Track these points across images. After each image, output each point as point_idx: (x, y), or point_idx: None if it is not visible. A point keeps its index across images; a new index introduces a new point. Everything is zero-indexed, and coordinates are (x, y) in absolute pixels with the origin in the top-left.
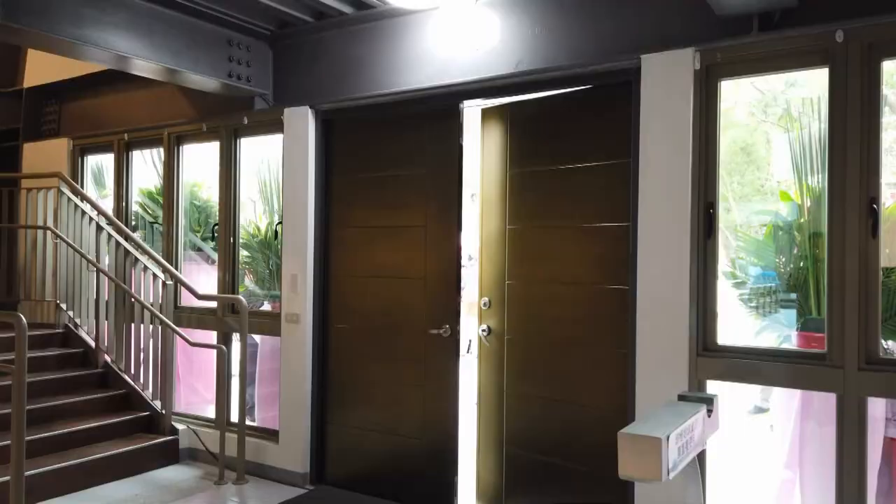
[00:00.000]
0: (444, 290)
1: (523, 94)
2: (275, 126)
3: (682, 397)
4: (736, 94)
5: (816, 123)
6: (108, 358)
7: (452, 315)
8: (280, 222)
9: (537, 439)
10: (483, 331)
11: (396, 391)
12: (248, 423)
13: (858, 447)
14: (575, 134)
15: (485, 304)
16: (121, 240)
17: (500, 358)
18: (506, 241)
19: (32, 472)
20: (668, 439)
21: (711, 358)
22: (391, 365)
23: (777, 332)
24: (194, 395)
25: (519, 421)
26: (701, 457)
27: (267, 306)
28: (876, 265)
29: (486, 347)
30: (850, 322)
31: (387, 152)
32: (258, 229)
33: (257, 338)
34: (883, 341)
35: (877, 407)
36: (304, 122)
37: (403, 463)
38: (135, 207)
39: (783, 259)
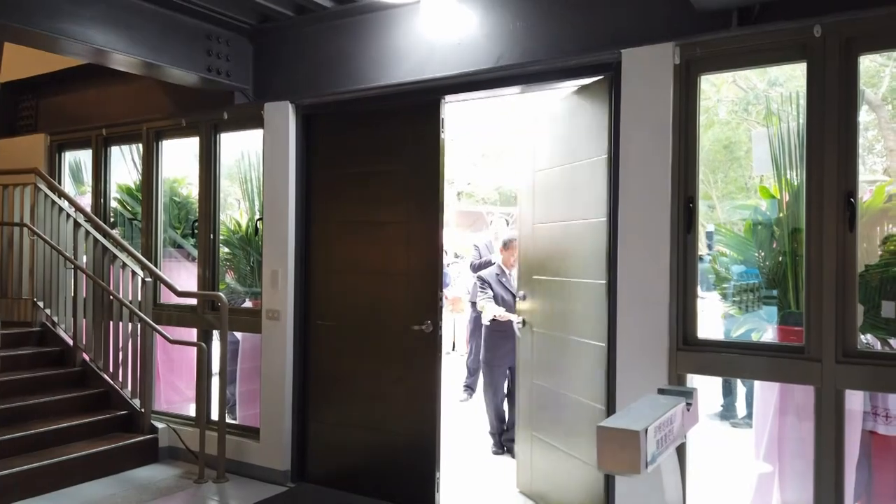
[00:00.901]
0: (426, 286)
1: (505, 87)
2: (255, 121)
3: (661, 391)
4: (719, 92)
5: (796, 118)
6: (86, 356)
7: (434, 311)
8: (261, 218)
9: (551, 429)
10: (518, 323)
11: (378, 387)
12: (229, 420)
13: (836, 440)
14: (580, 130)
15: (521, 297)
16: (99, 237)
17: (530, 348)
18: (534, 238)
19: (6, 472)
20: (646, 432)
21: (691, 352)
22: (373, 361)
23: (758, 328)
24: (175, 393)
25: (540, 412)
26: (681, 450)
27: (249, 303)
28: (853, 259)
29: (519, 339)
30: (827, 315)
31: (368, 147)
32: (239, 225)
33: (238, 335)
34: (863, 336)
35: (855, 400)
36: (284, 117)
37: (386, 459)
38: (113, 204)
39: (762, 253)
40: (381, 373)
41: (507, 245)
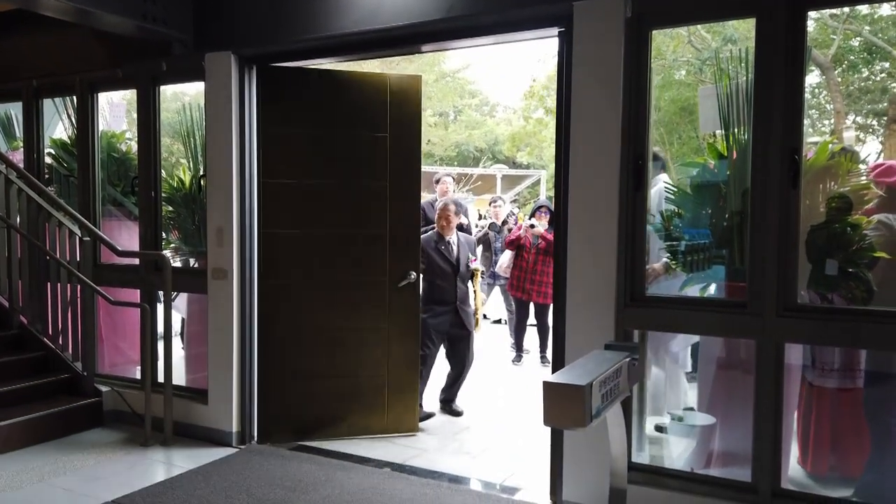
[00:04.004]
0: (406, 242)
1: (457, 40)
2: (196, 73)
3: (608, 347)
4: (675, 52)
5: (745, 75)
6: (23, 319)
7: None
8: (204, 175)
9: None
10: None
11: (332, 349)
12: (176, 383)
13: (775, 392)
14: None
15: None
16: (33, 194)
17: None
18: None
19: None
20: (591, 387)
21: (639, 308)
22: (329, 322)
23: (706, 284)
24: (119, 355)
25: None
26: (626, 403)
27: (196, 264)
28: (796, 215)
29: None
30: (769, 270)
31: (316, 101)
32: (182, 182)
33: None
34: (802, 291)
35: (794, 354)
36: (226, 68)
37: (337, 420)
38: (48, 160)
39: (709, 211)
40: (338, 334)
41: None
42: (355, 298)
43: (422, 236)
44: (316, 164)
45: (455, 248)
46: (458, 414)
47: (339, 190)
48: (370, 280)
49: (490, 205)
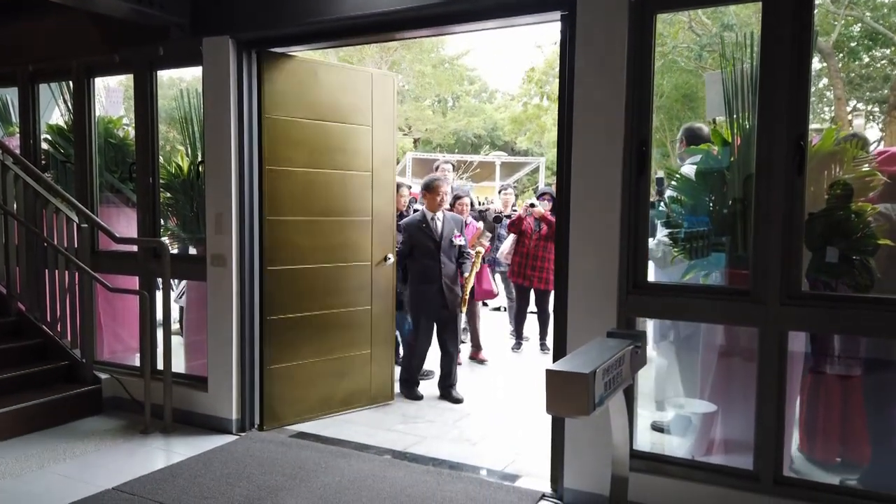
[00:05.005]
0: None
1: (456, 24)
2: (194, 57)
3: (610, 334)
4: (675, 38)
5: (749, 60)
6: (21, 306)
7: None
8: (202, 161)
9: None
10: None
11: (328, 332)
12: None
13: (778, 380)
14: None
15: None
16: (30, 180)
17: None
18: None
19: None
20: (594, 375)
21: (641, 296)
22: (326, 305)
23: (706, 272)
24: (119, 343)
25: None
26: (628, 391)
27: (194, 251)
28: (801, 202)
29: None
30: (773, 258)
31: (313, 90)
32: (180, 169)
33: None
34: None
35: (797, 342)
36: (224, 53)
37: (331, 398)
38: (44, 146)
39: (713, 197)
40: (335, 319)
41: (430, 187)
42: (347, 282)
43: (405, 219)
44: (313, 152)
45: (440, 223)
46: (458, 401)
47: (333, 178)
48: (360, 264)
49: (499, 193)
